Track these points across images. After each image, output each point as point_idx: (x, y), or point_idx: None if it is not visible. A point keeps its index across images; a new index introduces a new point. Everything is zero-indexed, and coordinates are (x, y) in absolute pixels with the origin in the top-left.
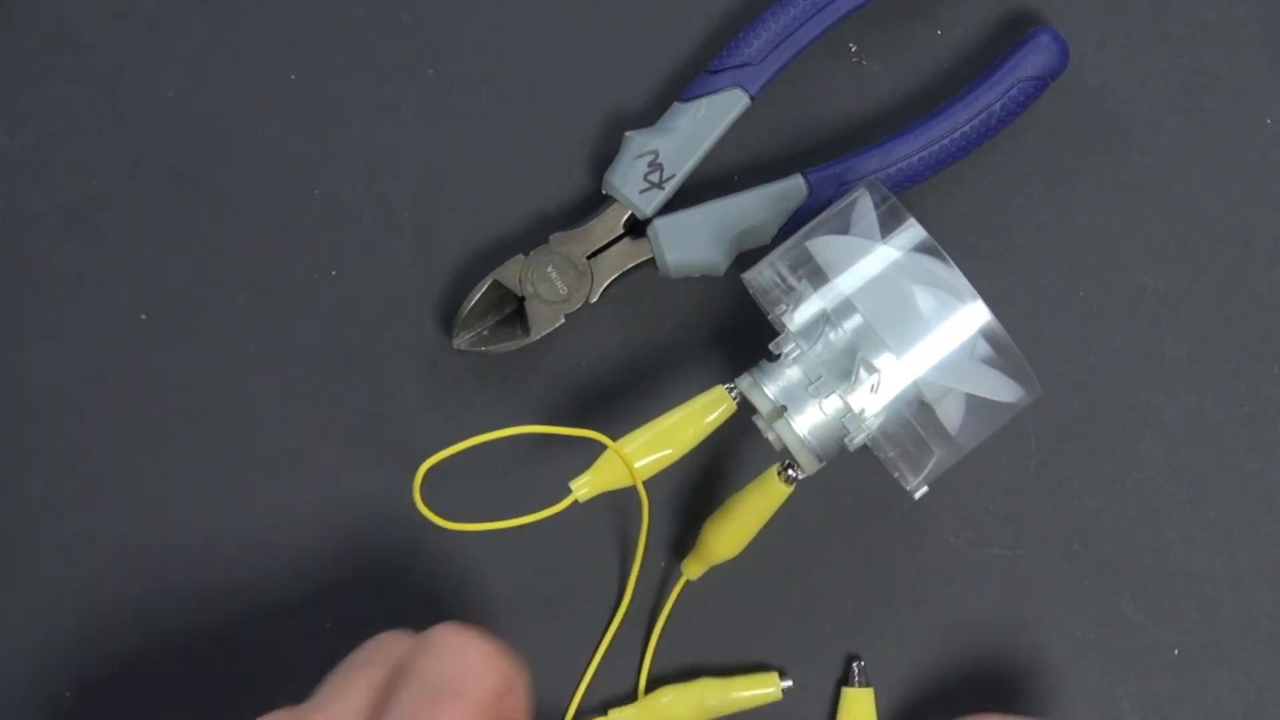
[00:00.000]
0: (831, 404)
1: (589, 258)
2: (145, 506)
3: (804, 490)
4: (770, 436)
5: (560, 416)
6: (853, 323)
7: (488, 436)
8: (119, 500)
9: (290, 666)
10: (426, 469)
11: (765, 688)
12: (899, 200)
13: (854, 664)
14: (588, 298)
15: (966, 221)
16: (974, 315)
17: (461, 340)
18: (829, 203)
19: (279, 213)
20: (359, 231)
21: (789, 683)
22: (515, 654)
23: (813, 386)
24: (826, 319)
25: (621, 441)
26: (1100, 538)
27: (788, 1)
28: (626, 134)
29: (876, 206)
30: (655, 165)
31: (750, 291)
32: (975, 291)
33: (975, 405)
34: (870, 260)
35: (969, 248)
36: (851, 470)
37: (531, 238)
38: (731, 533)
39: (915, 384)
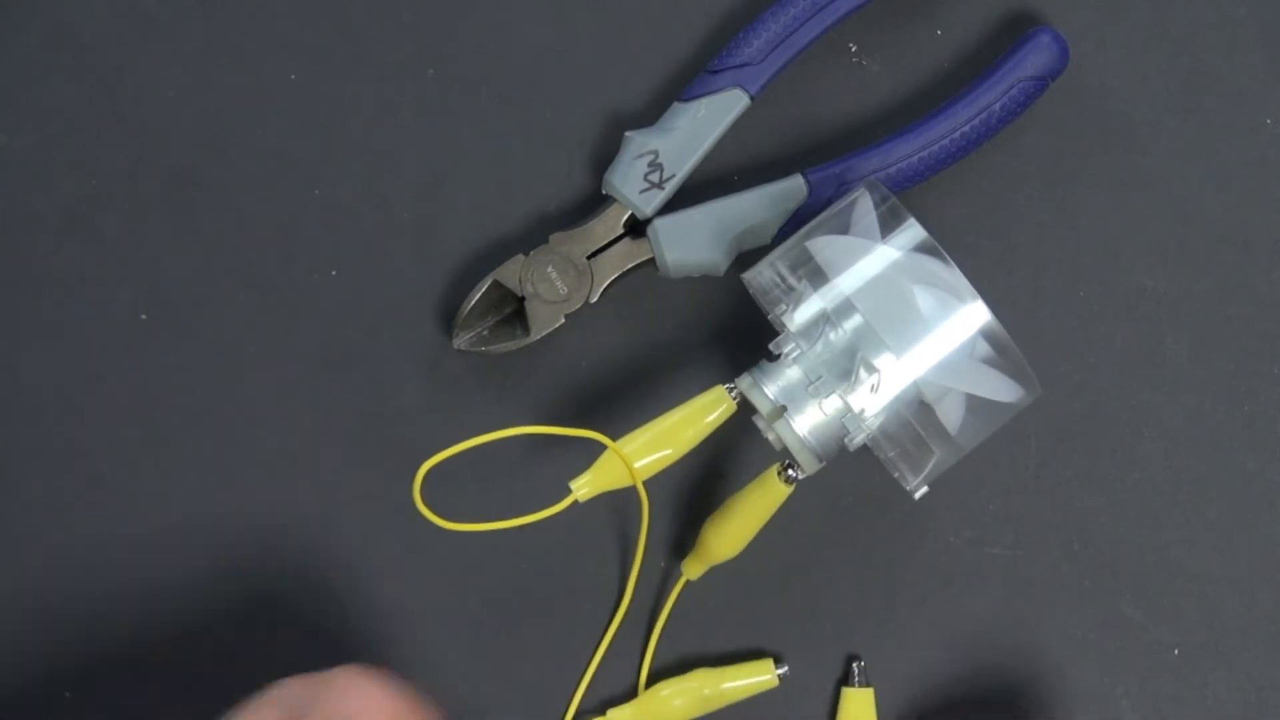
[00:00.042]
0: (831, 404)
1: (589, 258)
2: (145, 506)
3: (804, 490)
4: (770, 436)
5: (560, 416)
6: (853, 323)
7: (488, 437)
8: (119, 500)
9: (291, 666)
10: (427, 469)
11: (762, 675)
12: (899, 200)
13: (854, 664)
14: (588, 298)
15: (966, 221)
16: (974, 315)
17: (461, 340)
18: (829, 203)
19: (279, 213)
20: (359, 231)
21: (785, 669)
22: (423, 696)
23: (813, 386)
24: (826, 319)
25: (621, 441)
26: (1100, 538)
27: (788, 1)
28: (626, 134)
29: (876, 206)
30: (655, 165)
31: (750, 291)
32: (975, 291)
33: (975, 405)
34: (870, 260)
35: (969, 248)
36: (851, 470)
37: (531, 238)
38: (731, 533)
39: (915, 384)
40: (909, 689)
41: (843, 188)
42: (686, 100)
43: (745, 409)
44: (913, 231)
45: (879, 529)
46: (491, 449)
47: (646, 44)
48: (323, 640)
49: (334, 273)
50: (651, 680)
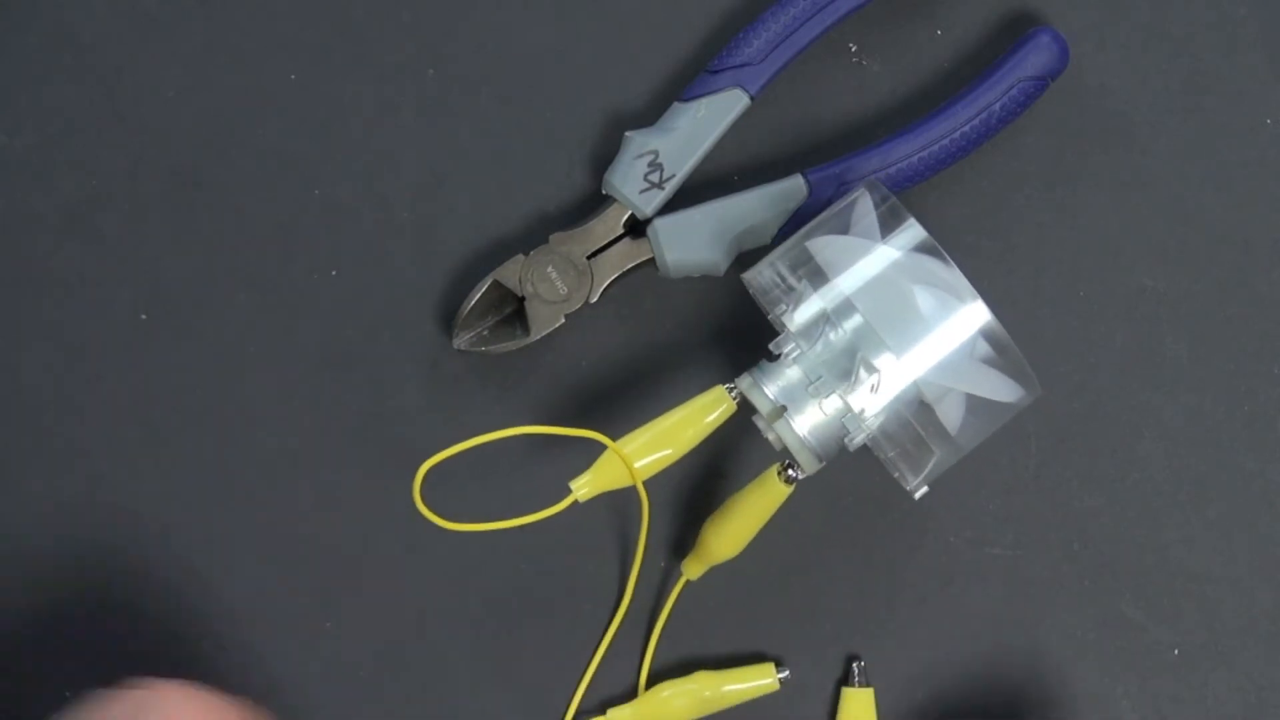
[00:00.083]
0: (831, 404)
1: (589, 258)
2: (145, 506)
3: (804, 490)
4: (770, 436)
5: (560, 416)
6: (853, 323)
7: (488, 437)
8: (119, 500)
9: (291, 666)
10: (426, 469)
11: (763, 678)
12: (899, 200)
13: (854, 664)
14: (588, 298)
15: (966, 221)
16: (974, 315)
17: (461, 340)
18: (829, 203)
19: (279, 213)
20: (359, 231)
21: (786, 673)
22: (250, 709)
23: (813, 386)
24: (826, 319)
25: (621, 441)
26: (1100, 538)
27: (788, 1)
28: (626, 134)
29: (876, 206)
30: (655, 165)
31: (750, 291)
32: (975, 291)
33: (975, 405)
34: (870, 260)
35: (969, 248)
36: (851, 470)
37: (531, 238)
38: (731, 533)
39: (915, 384)
40: (909, 689)
41: (843, 188)
42: (686, 100)
43: (745, 409)
44: (913, 231)
45: (879, 529)
46: (491, 449)
47: (646, 44)
48: (323, 640)
49: (334, 273)
50: (651, 681)
